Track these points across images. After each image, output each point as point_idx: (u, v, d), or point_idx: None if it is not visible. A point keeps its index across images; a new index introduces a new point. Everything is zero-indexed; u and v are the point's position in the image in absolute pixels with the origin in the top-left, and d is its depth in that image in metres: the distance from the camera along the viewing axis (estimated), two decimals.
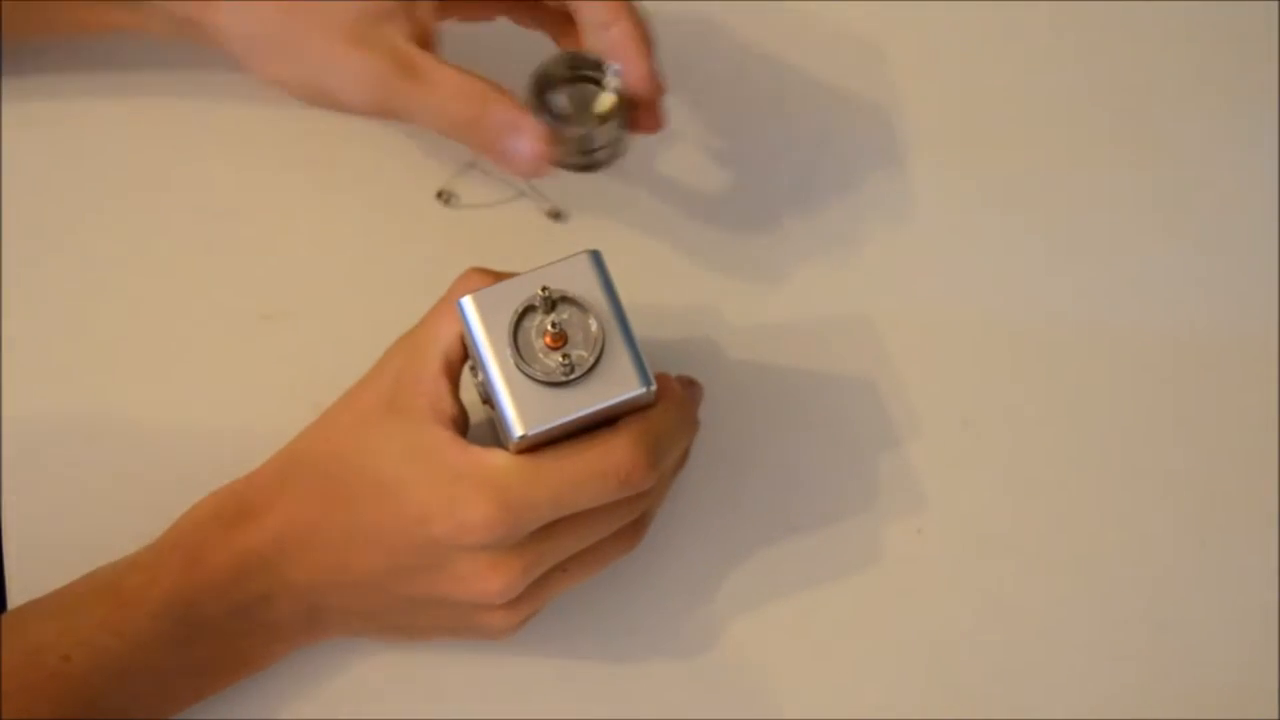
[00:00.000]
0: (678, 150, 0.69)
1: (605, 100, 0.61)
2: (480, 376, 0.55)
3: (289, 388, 0.62)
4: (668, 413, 0.56)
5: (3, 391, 0.64)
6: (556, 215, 0.68)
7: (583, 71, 0.61)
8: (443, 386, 0.55)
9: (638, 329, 0.55)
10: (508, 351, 0.54)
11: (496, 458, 0.53)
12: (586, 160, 0.63)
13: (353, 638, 0.60)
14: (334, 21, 0.59)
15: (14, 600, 0.60)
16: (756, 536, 0.64)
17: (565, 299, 0.54)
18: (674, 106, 0.67)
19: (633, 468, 0.54)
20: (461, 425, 0.56)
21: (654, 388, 0.54)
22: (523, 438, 0.53)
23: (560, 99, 0.61)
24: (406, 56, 0.59)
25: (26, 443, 0.63)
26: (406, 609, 0.57)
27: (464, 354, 0.56)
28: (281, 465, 0.58)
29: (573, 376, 0.53)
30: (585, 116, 0.61)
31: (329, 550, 0.55)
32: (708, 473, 0.64)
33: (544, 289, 0.54)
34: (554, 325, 0.53)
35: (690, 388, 0.61)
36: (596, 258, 0.55)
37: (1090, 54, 0.72)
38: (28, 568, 0.61)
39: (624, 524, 0.57)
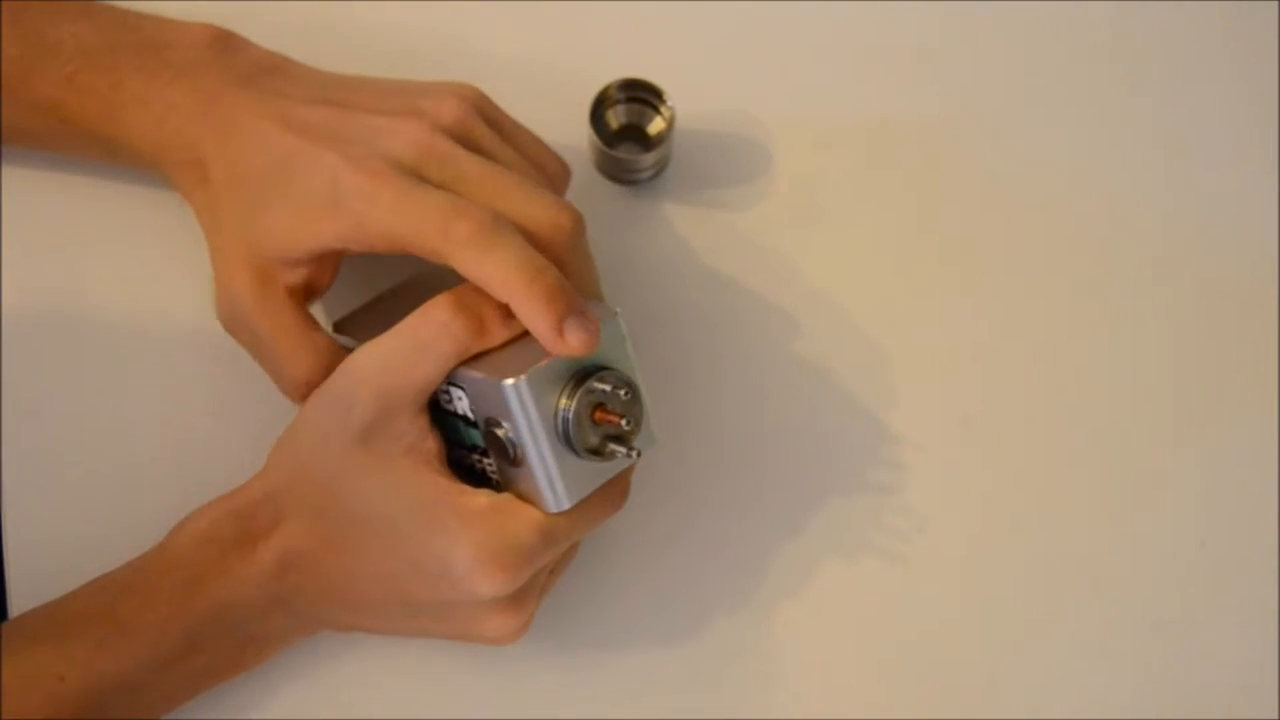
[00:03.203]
0: (677, 158, 0.69)
1: (657, 124, 0.67)
2: (513, 451, 0.54)
3: None
4: None
5: (3, 391, 0.64)
6: None
7: (638, 94, 0.67)
8: (422, 425, 0.55)
9: (633, 337, 0.55)
10: (557, 432, 0.53)
11: (506, 517, 0.54)
12: (632, 177, 0.68)
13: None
14: (243, 239, 0.57)
15: (14, 599, 0.60)
16: (755, 537, 0.64)
17: (608, 371, 0.54)
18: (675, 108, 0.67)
19: (625, 496, 0.56)
20: (444, 455, 0.55)
21: (657, 440, 0.56)
22: (564, 511, 0.54)
23: (615, 117, 0.67)
24: (277, 303, 0.58)
25: (27, 443, 0.63)
26: (409, 630, 0.58)
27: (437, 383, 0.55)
28: (271, 489, 0.57)
29: (631, 452, 0.54)
30: (637, 136, 0.68)
31: (331, 584, 0.56)
32: (707, 474, 0.64)
33: (604, 378, 0.53)
34: (605, 404, 0.53)
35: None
36: (619, 323, 0.55)
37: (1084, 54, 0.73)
38: (29, 568, 0.61)
39: None
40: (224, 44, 0.60)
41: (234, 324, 0.59)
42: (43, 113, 0.61)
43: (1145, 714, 0.62)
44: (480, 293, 0.54)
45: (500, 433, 0.54)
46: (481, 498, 0.54)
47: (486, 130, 0.58)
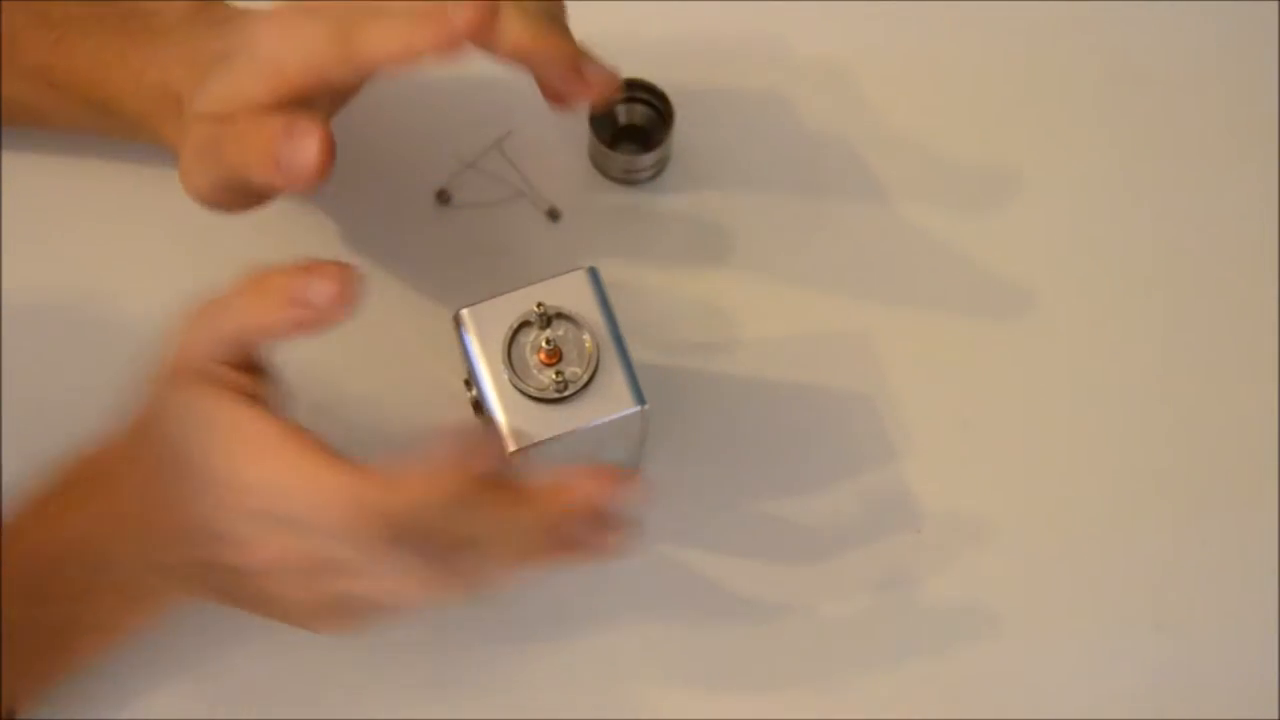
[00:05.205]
0: (677, 158, 0.69)
1: (657, 124, 0.67)
2: (474, 390, 0.55)
3: (288, 384, 0.62)
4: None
5: (3, 384, 0.64)
6: (554, 215, 0.68)
7: (638, 94, 0.67)
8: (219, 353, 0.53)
9: (634, 338, 0.55)
10: (501, 366, 0.54)
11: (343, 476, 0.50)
12: (632, 177, 0.68)
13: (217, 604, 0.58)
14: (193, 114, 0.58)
15: None
16: (755, 537, 0.64)
17: (561, 315, 0.55)
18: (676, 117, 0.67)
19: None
20: (271, 400, 0.54)
21: (647, 407, 0.55)
22: (515, 453, 0.54)
23: (614, 117, 0.67)
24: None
25: (26, 436, 0.63)
26: (196, 571, 0.55)
27: (255, 328, 0.54)
28: (126, 438, 0.56)
29: (566, 394, 0.54)
30: (637, 136, 0.67)
31: (160, 526, 0.54)
32: (707, 474, 0.64)
33: (539, 305, 0.55)
34: (548, 342, 0.54)
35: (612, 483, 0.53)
36: (594, 275, 0.56)
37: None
38: None
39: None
40: (205, 7, 0.61)
41: (199, 155, 0.57)
42: (31, 79, 0.62)
43: (1145, 714, 0.62)
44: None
45: (472, 393, 0.55)
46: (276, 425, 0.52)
47: None
